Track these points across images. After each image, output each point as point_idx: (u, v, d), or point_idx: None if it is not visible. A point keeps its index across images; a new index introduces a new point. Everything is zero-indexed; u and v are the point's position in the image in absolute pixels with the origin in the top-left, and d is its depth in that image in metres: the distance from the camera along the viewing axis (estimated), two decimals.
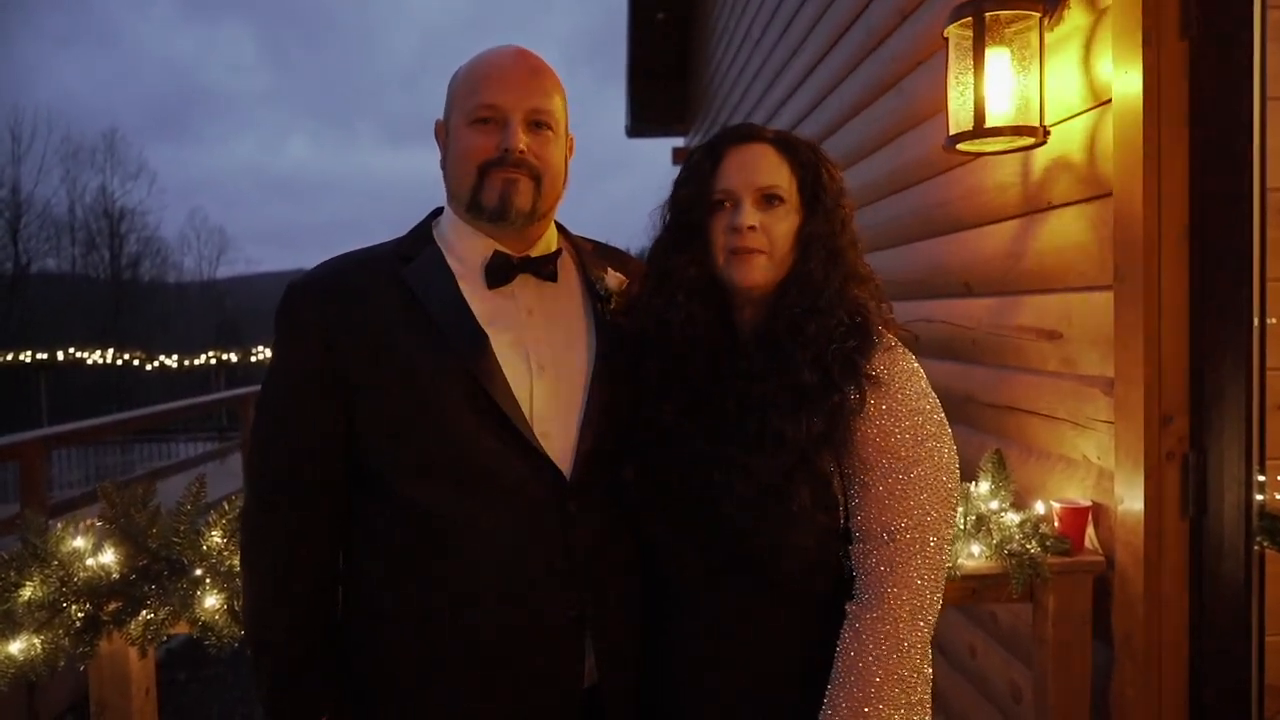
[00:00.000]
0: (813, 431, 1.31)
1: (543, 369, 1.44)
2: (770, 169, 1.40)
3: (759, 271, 1.39)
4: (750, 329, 1.45)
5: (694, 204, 1.44)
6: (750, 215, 1.38)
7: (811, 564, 1.35)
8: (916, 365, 1.39)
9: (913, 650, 1.29)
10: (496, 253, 1.46)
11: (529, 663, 1.38)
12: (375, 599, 1.42)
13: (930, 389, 1.38)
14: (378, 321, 1.39)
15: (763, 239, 1.38)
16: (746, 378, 1.39)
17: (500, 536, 1.37)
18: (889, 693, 1.27)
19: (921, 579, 1.30)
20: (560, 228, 1.61)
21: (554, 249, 1.53)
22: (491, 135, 1.41)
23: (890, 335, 1.41)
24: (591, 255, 1.61)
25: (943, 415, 1.38)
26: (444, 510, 1.37)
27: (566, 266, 1.56)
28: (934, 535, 1.32)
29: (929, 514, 1.32)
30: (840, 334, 1.35)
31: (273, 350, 1.46)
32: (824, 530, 1.34)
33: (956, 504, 1.37)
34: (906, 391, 1.34)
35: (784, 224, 1.40)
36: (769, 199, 1.39)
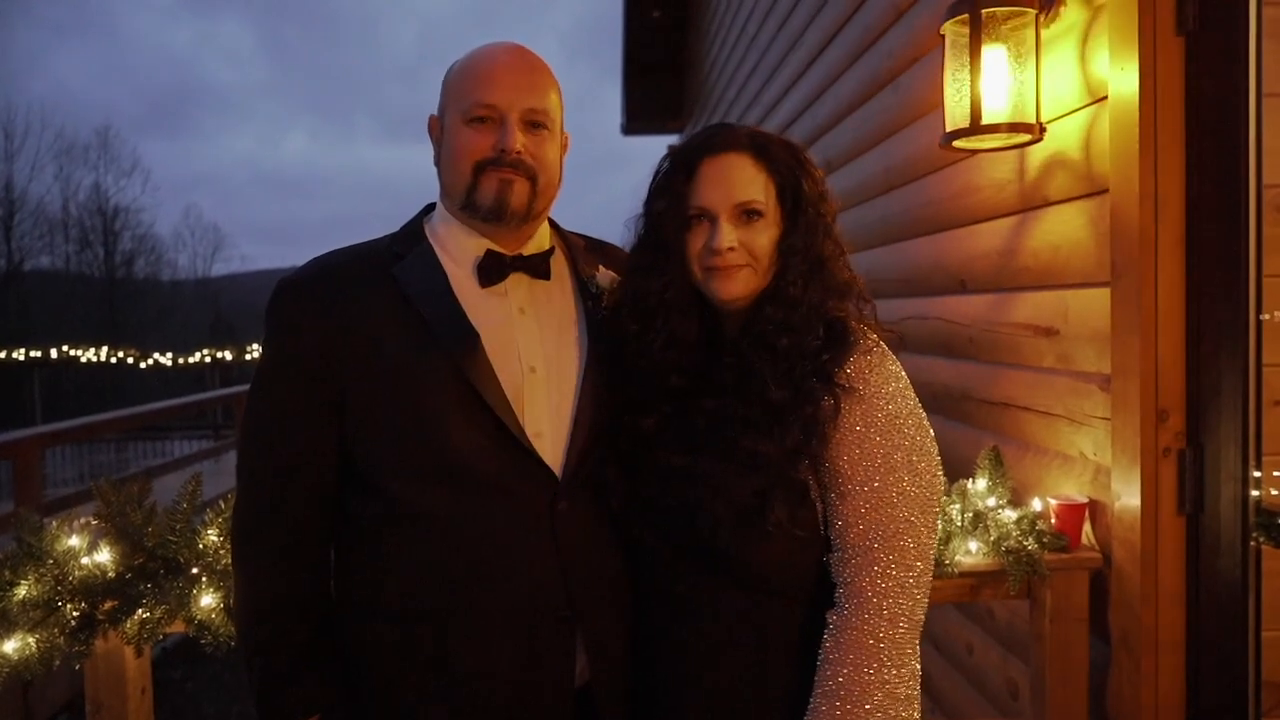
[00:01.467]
0: (787, 447, 1.28)
1: (534, 368, 1.43)
2: (747, 183, 1.35)
3: (740, 284, 1.36)
4: (730, 340, 1.42)
5: (668, 220, 1.39)
6: (728, 235, 1.34)
7: (791, 574, 1.34)
8: (895, 367, 1.36)
9: (898, 655, 1.27)
10: (489, 251, 1.45)
11: (521, 662, 1.38)
12: (366, 597, 1.42)
13: (910, 390, 1.35)
14: (369, 319, 1.38)
15: (743, 255, 1.35)
16: (721, 392, 1.37)
17: (491, 536, 1.37)
18: (873, 698, 1.25)
19: (902, 586, 1.28)
20: (553, 224, 1.60)
21: (547, 247, 1.52)
22: (488, 134, 1.40)
23: (871, 337, 1.37)
24: (584, 252, 1.61)
25: (922, 416, 1.35)
26: (435, 509, 1.37)
27: (559, 264, 1.55)
28: (913, 541, 1.29)
29: (907, 521, 1.29)
30: (814, 349, 1.32)
31: (263, 346, 1.45)
32: (803, 542, 1.33)
33: (937, 507, 1.35)
34: (882, 398, 1.30)
35: (764, 236, 1.35)
36: (748, 214, 1.35)
